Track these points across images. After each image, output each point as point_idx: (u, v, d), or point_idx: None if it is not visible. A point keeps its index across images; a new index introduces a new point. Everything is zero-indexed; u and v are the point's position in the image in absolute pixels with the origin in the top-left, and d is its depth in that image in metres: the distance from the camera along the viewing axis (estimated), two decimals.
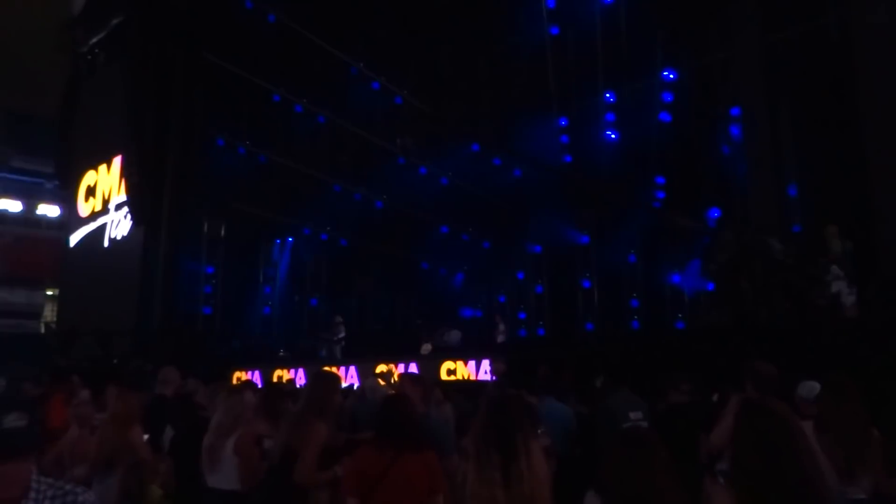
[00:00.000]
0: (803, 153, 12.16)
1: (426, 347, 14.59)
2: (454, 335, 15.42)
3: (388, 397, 3.89)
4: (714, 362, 7.57)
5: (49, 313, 36.61)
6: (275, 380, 14.25)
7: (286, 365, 14.92)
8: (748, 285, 8.73)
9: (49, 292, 38.56)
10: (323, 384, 4.17)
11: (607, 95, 15.44)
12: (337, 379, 4.53)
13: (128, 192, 19.12)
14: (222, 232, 19.90)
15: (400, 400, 3.70)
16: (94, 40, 21.98)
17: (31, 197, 43.16)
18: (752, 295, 8.71)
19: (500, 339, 15.27)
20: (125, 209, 19.56)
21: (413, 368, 12.49)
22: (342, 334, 16.36)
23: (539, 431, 4.06)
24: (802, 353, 6.81)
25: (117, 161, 20.36)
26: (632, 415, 4.95)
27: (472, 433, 2.73)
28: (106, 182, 21.33)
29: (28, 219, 43.14)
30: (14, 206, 42.79)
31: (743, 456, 2.19)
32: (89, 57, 22.56)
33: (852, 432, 3.63)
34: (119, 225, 20.18)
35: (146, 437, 4.50)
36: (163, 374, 6.17)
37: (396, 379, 11.84)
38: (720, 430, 4.18)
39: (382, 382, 8.60)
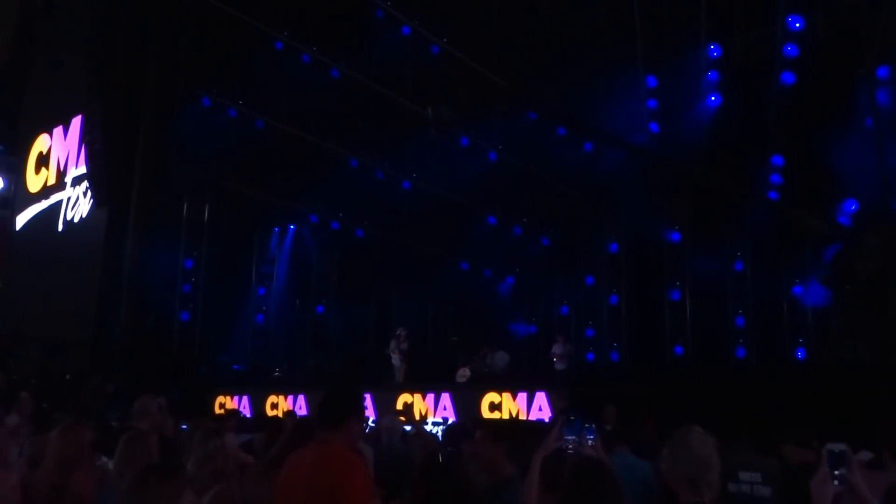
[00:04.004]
0: None
1: (463, 373, 14.54)
2: (500, 358, 15.32)
3: (447, 462, 3.92)
4: (846, 410, 7.35)
5: None
6: (268, 409, 14.40)
7: (283, 390, 15.01)
8: None
9: None
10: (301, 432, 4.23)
11: (711, 48, 15.17)
12: None
13: (89, 162, 19.47)
14: (206, 216, 20.11)
15: (459, 465, 3.73)
16: None
17: None
18: None
19: (560, 366, 15.14)
20: (85, 184, 19.93)
21: (446, 401, 12.45)
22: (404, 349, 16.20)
23: None
24: None
25: (76, 123, 20.75)
26: (742, 475, 4.78)
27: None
28: (62, 149, 21.78)
29: None
30: None
31: None
32: None
33: None
34: (77, 204, 20.59)
35: None
36: (139, 404, 6.25)
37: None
38: None
39: (404, 420, 8.57)
